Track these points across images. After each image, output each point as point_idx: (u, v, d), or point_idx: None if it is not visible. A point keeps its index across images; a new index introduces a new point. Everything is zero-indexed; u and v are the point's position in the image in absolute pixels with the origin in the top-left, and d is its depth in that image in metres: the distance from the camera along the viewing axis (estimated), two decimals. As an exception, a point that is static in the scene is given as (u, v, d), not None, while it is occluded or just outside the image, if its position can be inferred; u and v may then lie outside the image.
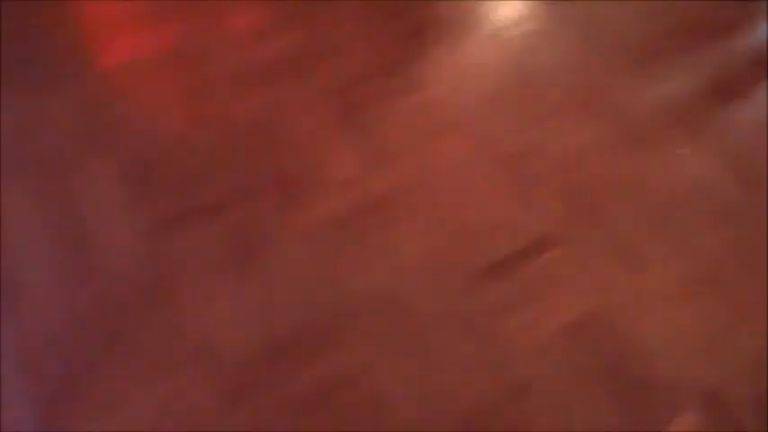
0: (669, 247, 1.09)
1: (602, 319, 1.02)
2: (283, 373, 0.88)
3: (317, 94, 1.12)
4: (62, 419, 0.79)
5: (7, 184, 0.91)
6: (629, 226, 1.11)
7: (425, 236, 1.01)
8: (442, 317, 0.97)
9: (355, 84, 1.16)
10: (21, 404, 0.77)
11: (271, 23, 1.20)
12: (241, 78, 1.12)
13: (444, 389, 0.92)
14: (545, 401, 0.95)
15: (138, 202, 0.91)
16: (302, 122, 1.09)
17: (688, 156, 1.19)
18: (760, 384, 0.99)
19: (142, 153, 0.97)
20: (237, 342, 0.86)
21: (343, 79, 1.16)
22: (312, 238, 0.95)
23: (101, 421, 0.79)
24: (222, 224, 0.93)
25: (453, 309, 0.97)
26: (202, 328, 0.85)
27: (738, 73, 1.39)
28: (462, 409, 0.91)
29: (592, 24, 1.37)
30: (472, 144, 1.16)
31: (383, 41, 1.24)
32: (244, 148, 1.03)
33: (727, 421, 0.95)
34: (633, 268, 1.07)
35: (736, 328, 1.05)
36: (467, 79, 1.23)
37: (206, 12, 1.22)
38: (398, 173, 1.06)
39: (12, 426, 0.75)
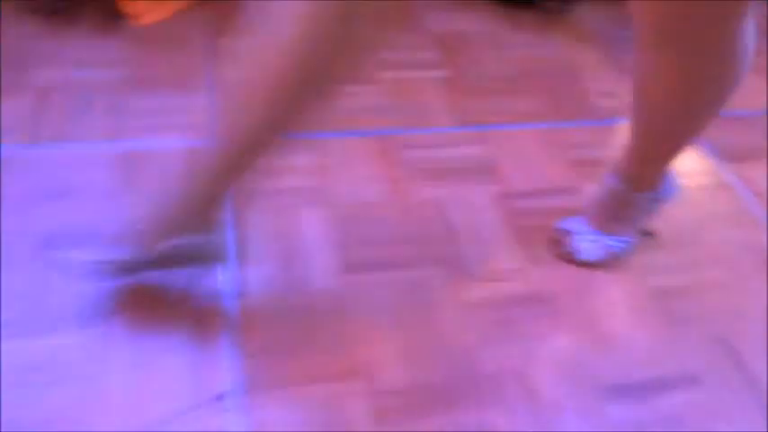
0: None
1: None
2: (426, 410, 0.95)
3: (489, 198, 1.30)
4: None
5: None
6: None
7: (567, 335, 1.09)
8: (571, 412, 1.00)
9: (522, 198, 1.33)
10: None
11: (462, 137, 1.45)
12: (429, 172, 1.35)
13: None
14: None
15: (338, 246, 1.14)
16: (474, 218, 1.26)
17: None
18: None
19: (346, 211, 1.20)
20: (395, 371, 0.98)
21: (513, 192, 1.33)
22: (466, 311, 1.07)
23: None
24: (397, 281, 1.10)
25: (581, 410, 1.00)
26: (367, 353, 1.00)
27: None
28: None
29: None
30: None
31: (557, 167, 1.40)
32: (420, 226, 1.21)
33: None
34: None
35: None
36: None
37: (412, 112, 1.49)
38: (555, 274, 1.17)
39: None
